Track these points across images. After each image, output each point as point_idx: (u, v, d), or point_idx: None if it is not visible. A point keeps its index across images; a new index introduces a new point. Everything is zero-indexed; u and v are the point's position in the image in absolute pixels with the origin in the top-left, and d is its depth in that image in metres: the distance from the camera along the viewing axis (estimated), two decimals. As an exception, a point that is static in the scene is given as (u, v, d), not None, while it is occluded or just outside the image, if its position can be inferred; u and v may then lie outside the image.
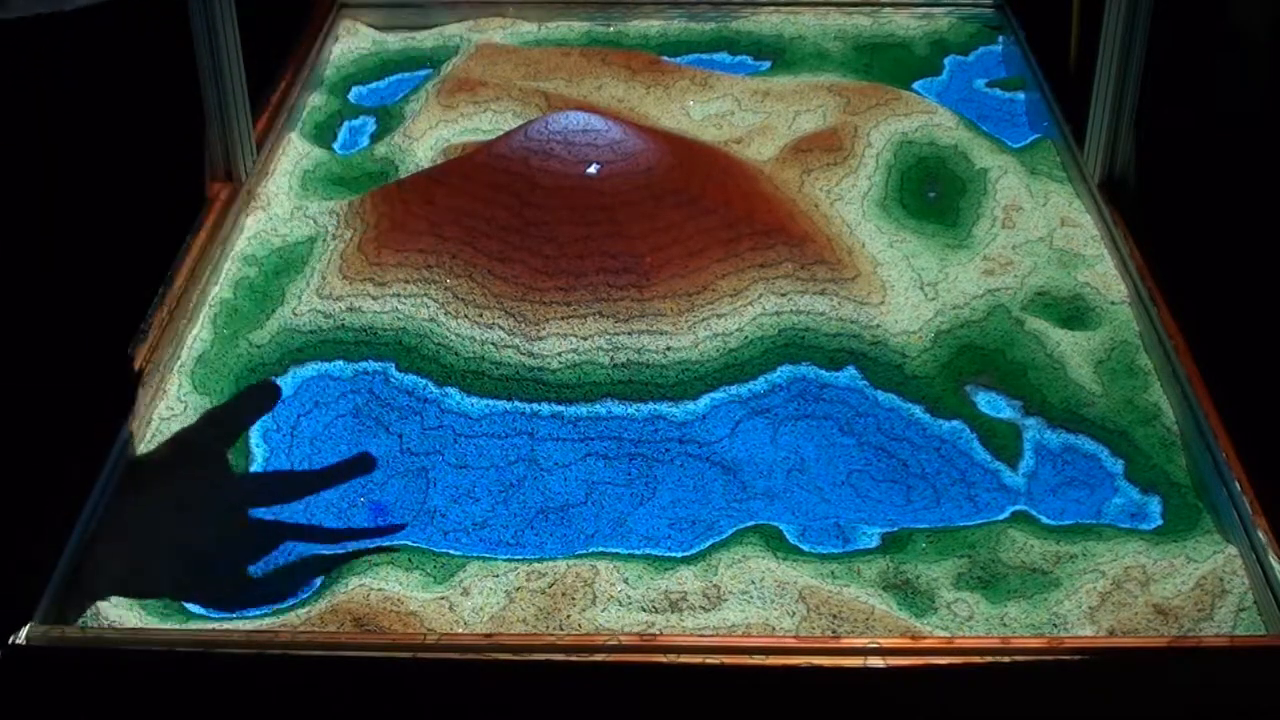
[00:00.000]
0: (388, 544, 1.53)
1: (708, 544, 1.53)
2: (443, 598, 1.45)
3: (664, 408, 1.67)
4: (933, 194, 1.99)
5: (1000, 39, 2.42)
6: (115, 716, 1.41)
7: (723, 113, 2.17)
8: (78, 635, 1.40)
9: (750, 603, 1.44)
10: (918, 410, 1.69)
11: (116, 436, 1.58)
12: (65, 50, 1.83)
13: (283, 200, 2.00)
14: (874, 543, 1.54)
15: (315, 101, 2.25)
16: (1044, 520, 1.56)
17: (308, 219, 1.94)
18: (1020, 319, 1.78)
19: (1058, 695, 1.39)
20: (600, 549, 1.53)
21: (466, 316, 1.73)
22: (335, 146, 2.18)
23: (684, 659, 1.36)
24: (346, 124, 2.23)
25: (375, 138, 2.18)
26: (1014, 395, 1.71)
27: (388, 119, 2.21)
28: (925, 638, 1.39)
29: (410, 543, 1.54)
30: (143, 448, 1.61)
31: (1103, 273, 1.85)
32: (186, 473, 1.59)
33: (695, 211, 1.80)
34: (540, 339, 1.71)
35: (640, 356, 1.70)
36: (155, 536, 1.53)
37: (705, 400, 1.68)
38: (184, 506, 1.56)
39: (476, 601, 1.44)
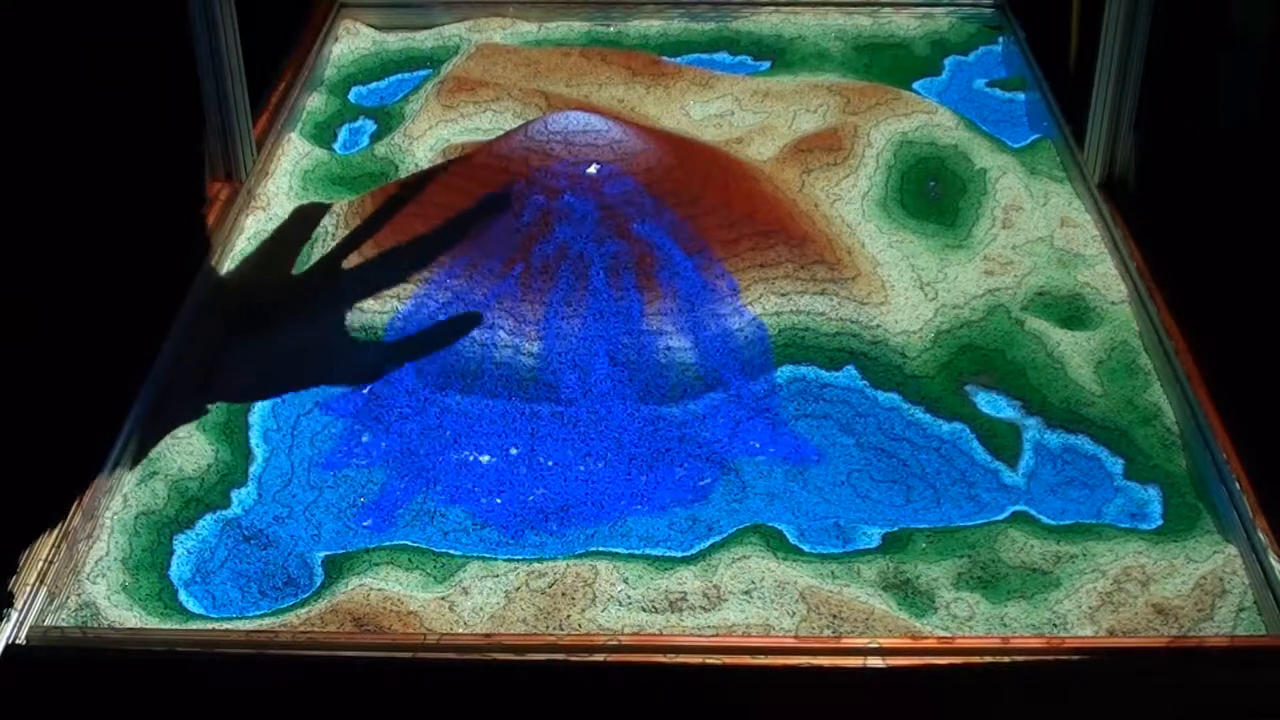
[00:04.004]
0: (388, 544, 1.53)
1: (708, 544, 1.53)
2: (443, 598, 1.45)
3: (664, 408, 1.67)
4: (933, 184, 1.99)
5: (1000, 39, 2.42)
6: (115, 716, 1.41)
7: (723, 113, 2.18)
8: (78, 635, 1.40)
9: (750, 603, 1.44)
10: (918, 410, 1.69)
11: (117, 436, 1.58)
12: (66, 49, 1.83)
13: (283, 200, 2.00)
14: (874, 543, 1.54)
15: (315, 101, 2.25)
16: (1044, 520, 1.56)
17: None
18: (1020, 319, 1.78)
19: (1058, 695, 1.39)
20: (600, 549, 1.53)
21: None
22: (335, 146, 2.18)
23: (684, 659, 1.36)
24: (346, 124, 2.23)
25: (375, 138, 2.18)
26: (1014, 395, 1.71)
27: (388, 119, 2.21)
28: (925, 638, 1.39)
29: (410, 543, 1.54)
30: (143, 446, 1.61)
31: (1103, 273, 1.85)
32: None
33: (695, 211, 1.80)
34: (540, 339, 1.71)
35: (640, 356, 1.70)
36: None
37: (705, 400, 1.68)
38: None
39: (476, 601, 1.44)
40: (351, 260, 1.82)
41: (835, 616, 1.42)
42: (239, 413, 1.67)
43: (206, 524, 1.55)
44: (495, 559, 1.51)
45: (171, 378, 1.69)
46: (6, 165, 1.74)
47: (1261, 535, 1.47)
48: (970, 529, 1.55)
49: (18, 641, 1.38)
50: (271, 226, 1.94)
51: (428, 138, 2.10)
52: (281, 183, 2.04)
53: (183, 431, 1.63)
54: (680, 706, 1.39)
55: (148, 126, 1.89)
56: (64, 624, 1.42)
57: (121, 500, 1.55)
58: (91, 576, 1.47)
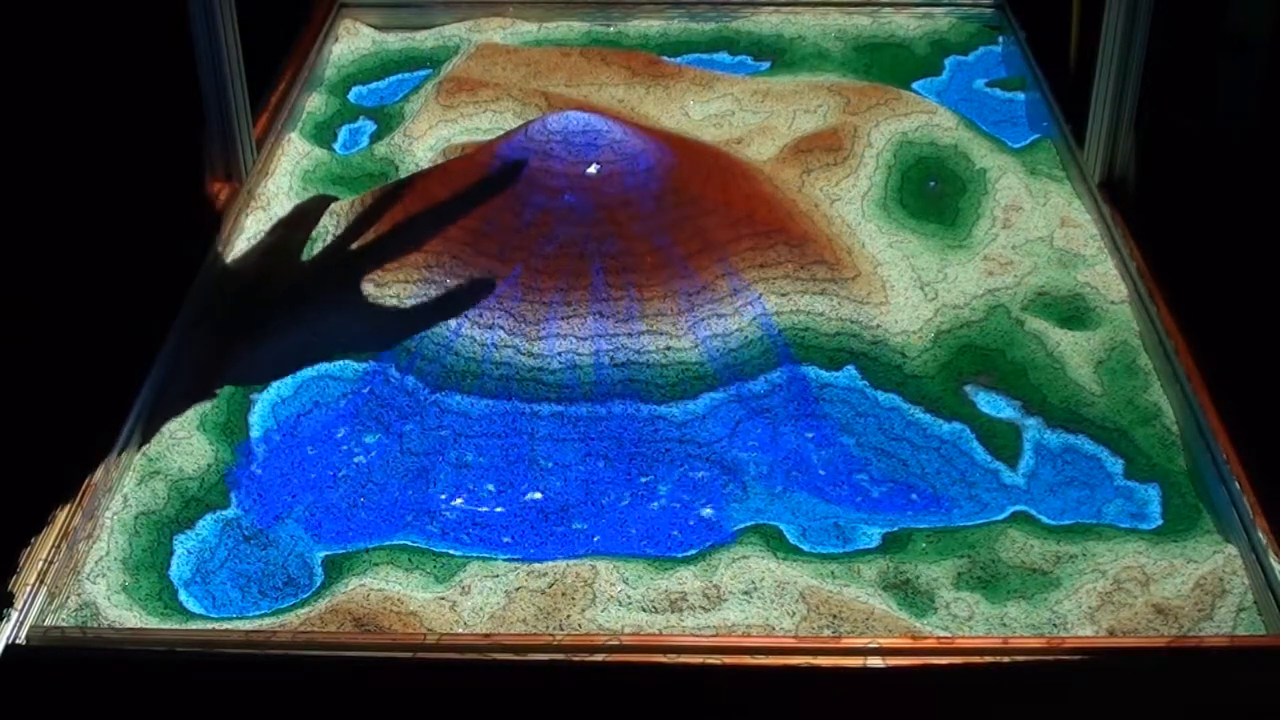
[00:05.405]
0: (388, 544, 1.53)
1: (708, 544, 1.53)
2: (443, 598, 1.45)
3: (664, 408, 1.67)
4: (933, 184, 1.99)
5: (1000, 39, 2.42)
6: (115, 716, 1.41)
7: (723, 113, 2.17)
8: (78, 635, 1.40)
9: (750, 603, 1.44)
10: (918, 410, 1.69)
11: (117, 436, 1.58)
12: (66, 50, 1.83)
13: (283, 200, 2.00)
14: (874, 543, 1.54)
15: (315, 101, 2.25)
16: (1044, 520, 1.56)
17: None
18: (1020, 319, 1.78)
19: (1058, 695, 1.39)
20: (600, 549, 1.53)
21: (466, 316, 1.73)
22: (335, 146, 2.18)
23: (684, 659, 1.36)
24: (346, 124, 2.23)
25: (375, 138, 2.18)
26: (1014, 395, 1.71)
27: (388, 119, 2.21)
28: (925, 638, 1.39)
29: (410, 543, 1.54)
30: (143, 446, 1.61)
31: (1103, 273, 1.85)
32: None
33: (695, 211, 1.80)
34: (540, 339, 1.71)
35: (640, 356, 1.70)
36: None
37: (705, 400, 1.68)
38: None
39: (476, 601, 1.44)
40: (351, 260, 1.82)
41: (835, 616, 1.42)
42: (239, 413, 1.67)
43: (206, 524, 1.56)
44: (495, 559, 1.51)
45: (171, 378, 1.69)
46: (7, 166, 1.74)
47: (1261, 535, 1.47)
48: (970, 529, 1.55)
49: (18, 641, 1.38)
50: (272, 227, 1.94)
51: (428, 138, 2.10)
52: (281, 183, 2.04)
53: (183, 431, 1.63)
54: (680, 706, 1.39)
55: (148, 126, 1.89)
56: (64, 624, 1.42)
57: (121, 500, 1.55)
58: (91, 576, 1.47)
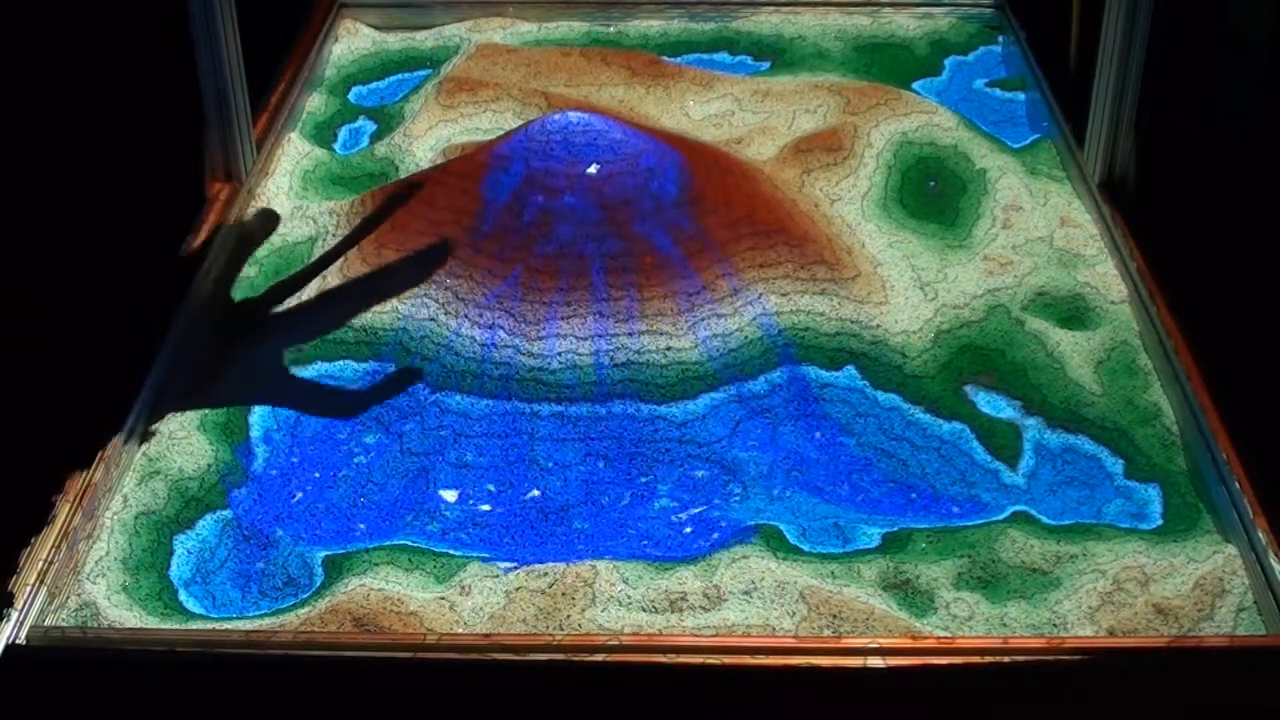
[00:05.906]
0: (388, 544, 1.53)
1: (708, 544, 1.53)
2: (443, 598, 1.45)
3: (664, 408, 1.67)
4: (933, 184, 1.99)
5: (1000, 39, 2.42)
6: (115, 716, 1.41)
7: (723, 113, 2.17)
8: (78, 635, 1.40)
9: (750, 603, 1.44)
10: (918, 410, 1.69)
11: (117, 436, 1.58)
12: (66, 50, 1.83)
13: (283, 200, 2.00)
14: (874, 543, 1.54)
15: (315, 102, 2.25)
16: (1044, 520, 1.56)
17: (308, 219, 1.93)
18: (1020, 319, 1.78)
19: (1058, 695, 1.39)
20: (600, 549, 1.53)
21: (466, 316, 1.73)
22: (335, 146, 2.18)
23: (684, 659, 1.36)
24: (346, 124, 2.23)
25: (375, 138, 2.18)
26: (1014, 395, 1.71)
27: (388, 119, 2.21)
28: (925, 638, 1.39)
29: (410, 543, 1.54)
30: (143, 446, 1.61)
31: (1103, 273, 1.85)
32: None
33: (695, 211, 1.80)
34: (540, 339, 1.71)
35: (640, 356, 1.70)
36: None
37: (705, 400, 1.68)
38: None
39: (476, 601, 1.44)
40: (351, 259, 1.82)
41: (835, 616, 1.42)
42: (239, 413, 1.67)
43: (206, 524, 1.56)
44: (495, 559, 1.51)
45: (171, 378, 1.69)
46: (7, 166, 1.74)
47: (1261, 535, 1.47)
48: (970, 529, 1.55)
49: (18, 641, 1.38)
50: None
51: (428, 138, 2.10)
52: (281, 183, 2.04)
53: (183, 431, 1.63)
54: (680, 706, 1.39)
55: (148, 126, 1.89)
56: (64, 624, 1.42)
57: (121, 500, 1.55)
58: (91, 576, 1.47)
